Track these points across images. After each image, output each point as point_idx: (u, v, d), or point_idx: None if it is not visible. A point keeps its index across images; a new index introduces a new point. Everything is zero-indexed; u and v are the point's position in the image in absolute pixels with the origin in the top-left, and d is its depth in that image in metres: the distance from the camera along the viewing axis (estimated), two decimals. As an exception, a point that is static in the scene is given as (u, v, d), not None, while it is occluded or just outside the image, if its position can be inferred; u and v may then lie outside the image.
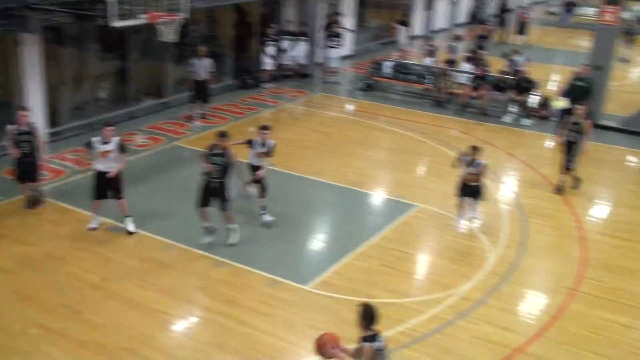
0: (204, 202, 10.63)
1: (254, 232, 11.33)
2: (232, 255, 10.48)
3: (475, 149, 11.37)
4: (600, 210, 13.01)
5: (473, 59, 20.80)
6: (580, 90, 16.37)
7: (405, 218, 12.12)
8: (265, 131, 11.62)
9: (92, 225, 11.14)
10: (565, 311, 9.37)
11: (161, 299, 9.29)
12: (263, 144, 11.59)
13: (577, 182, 13.45)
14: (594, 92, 16.43)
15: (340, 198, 13.19)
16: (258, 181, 11.69)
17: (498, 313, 9.23)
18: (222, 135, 10.69)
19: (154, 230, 11.10)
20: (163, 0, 13.70)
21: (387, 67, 20.69)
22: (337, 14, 23.17)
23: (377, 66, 21.02)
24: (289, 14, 21.74)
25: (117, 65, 17.35)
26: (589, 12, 36.27)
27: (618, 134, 17.26)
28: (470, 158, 11.37)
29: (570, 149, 13.21)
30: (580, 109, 13.23)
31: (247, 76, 20.53)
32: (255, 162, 11.74)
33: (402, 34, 26.49)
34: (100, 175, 10.91)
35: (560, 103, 17.41)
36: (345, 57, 23.88)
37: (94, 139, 10.94)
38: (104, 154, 10.84)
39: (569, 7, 36.99)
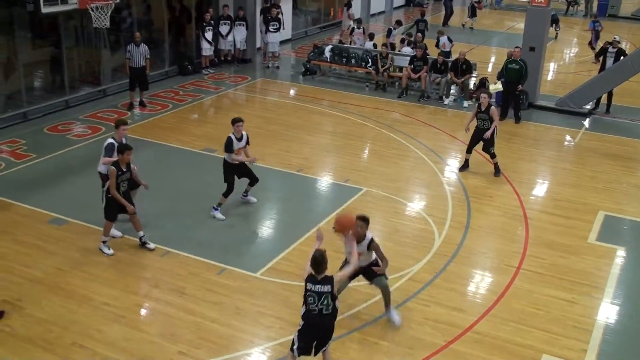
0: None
1: (202, 221, 11.18)
2: (180, 244, 10.33)
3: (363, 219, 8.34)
4: (539, 189, 13.34)
5: (412, 42, 21.04)
6: (514, 73, 16.71)
7: (352, 202, 12.16)
8: (240, 123, 11.12)
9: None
10: (510, 289, 9.59)
11: (107, 292, 9.09)
12: (240, 138, 11.17)
13: (496, 170, 13.53)
14: (527, 74, 16.79)
15: (286, 184, 13.14)
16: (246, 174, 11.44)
17: (446, 293, 9.38)
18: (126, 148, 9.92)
19: (98, 221, 10.82)
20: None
21: (327, 51, 20.65)
22: None
23: (318, 50, 20.96)
24: (225, -1, 21.43)
25: (51, 53, 16.78)
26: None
27: (554, 114, 17.73)
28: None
29: (479, 135, 13.40)
30: (485, 97, 13.32)
31: (186, 62, 20.18)
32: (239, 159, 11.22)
33: (347, 17, 26.53)
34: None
35: (496, 86, 17.78)
36: (284, 42, 23.74)
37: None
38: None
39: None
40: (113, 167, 9.71)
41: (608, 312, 9.17)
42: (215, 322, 8.57)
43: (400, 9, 34.81)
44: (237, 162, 11.21)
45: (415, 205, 12.25)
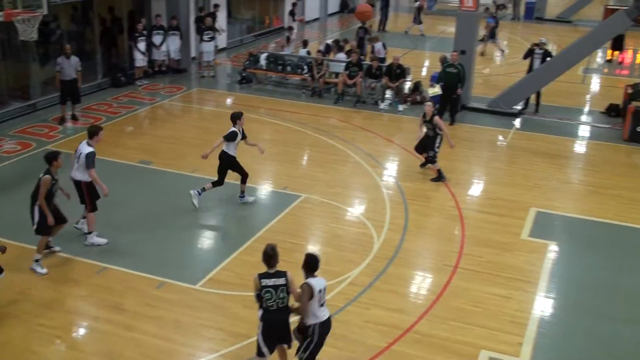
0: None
1: (139, 235, 11.02)
2: (116, 259, 10.16)
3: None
4: (474, 189, 13.65)
5: (346, 48, 21.26)
6: (452, 77, 17.07)
7: (291, 209, 12.19)
8: (243, 117, 12.08)
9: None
10: (448, 288, 9.78)
11: (42, 312, 8.86)
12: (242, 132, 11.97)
13: (438, 176, 13.70)
14: (465, 78, 17.18)
15: (225, 194, 13.04)
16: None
17: (387, 295, 9.50)
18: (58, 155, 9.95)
19: (31, 240, 10.53)
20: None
21: (263, 59, 20.66)
22: (216, 6, 22.87)
23: (253, 58, 20.95)
24: (158, 8, 21.19)
25: (-24, 68, 16.30)
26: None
27: (486, 115, 18.18)
28: None
29: (427, 142, 13.66)
30: (428, 105, 13.57)
31: (119, 74, 19.86)
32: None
33: (293, 24, 26.66)
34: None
35: (435, 90, 18.10)
36: (220, 50, 23.63)
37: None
38: None
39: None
40: (48, 176, 9.50)
41: (542, 306, 9.46)
42: (155, 337, 8.45)
43: (334, 16, 35.10)
44: (235, 155, 11.95)
45: (354, 210, 12.37)
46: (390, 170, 14.31)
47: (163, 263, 10.20)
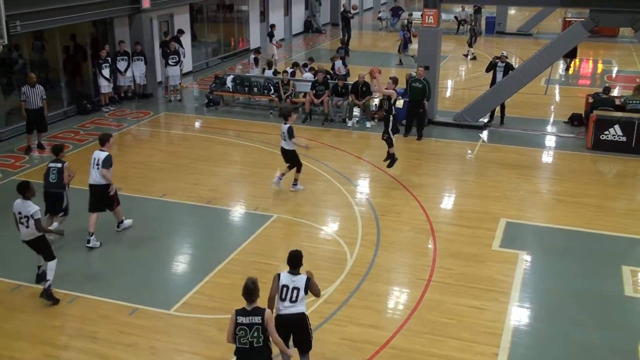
0: None
1: (110, 261, 10.91)
2: (87, 288, 10.03)
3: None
4: (444, 202, 13.78)
5: (312, 67, 21.41)
6: (417, 91, 17.30)
7: (263, 229, 12.18)
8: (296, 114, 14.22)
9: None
10: (422, 301, 9.83)
11: (12, 344, 8.71)
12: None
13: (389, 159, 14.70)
14: (430, 92, 17.42)
15: (196, 217, 13.01)
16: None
17: (361, 312, 9.52)
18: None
19: (1, 272, 10.40)
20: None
21: (229, 81, 20.69)
22: (180, 31, 22.90)
23: (219, 81, 20.97)
24: (121, 34, 21.14)
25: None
26: (415, 15, 38.36)
27: (452, 129, 18.40)
28: None
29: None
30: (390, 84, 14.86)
31: (85, 101, 19.72)
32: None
33: (270, 45, 26.81)
34: None
35: (399, 102, 18.29)
36: (185, 74, 23.61)
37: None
38: None
39: (396, 11, 38.90)
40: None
41: (515, 315, 9.56)
42: (130, 364, 8.36)
43: (299, 36, 35.31)
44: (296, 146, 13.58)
45: (326, 228, 12.39)
46: (361, 186, 14.39)
47: (135, 289, 10.10)
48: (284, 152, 13.76)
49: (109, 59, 19.84)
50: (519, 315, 9.58)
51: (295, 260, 7.56)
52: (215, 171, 15.17)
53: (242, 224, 12.85)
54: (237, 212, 13.24)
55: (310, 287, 7.56)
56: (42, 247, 9.74)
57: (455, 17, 37.12)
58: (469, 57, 28.96)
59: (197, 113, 20.39)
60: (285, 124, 13.44)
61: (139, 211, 12.99)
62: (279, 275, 7.53)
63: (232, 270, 10.72)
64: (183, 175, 14.74)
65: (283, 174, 13.89)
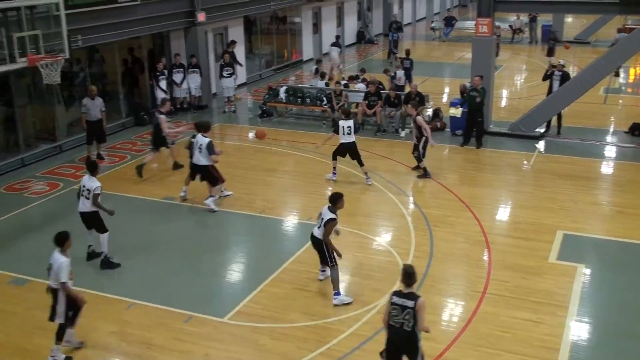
0: None
1: (166, 270, 11.11)
2: (145, 295, 10.23)
3: None
4: (499, 214, 13.58)
5: (364, 78, 21.44)
6: (474, 100, 17.17)
7: (316, 240, 12.19)
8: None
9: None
10: (477, 314, 9.69)
11: (72, 350, 8.92)
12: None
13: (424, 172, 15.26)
14: (483, 99, 17.24)
15: (250, 227, 13.15)
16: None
17: (414, 323, 9.42)
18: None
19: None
20: (42, 42, 13.39)
21: (282, 92, 20.88)
22: (232, 42, 23.28)
23: (273, 92, 21.18)
24: (177, 47, 21.60)
25: (4, 112, 16.65)
26: (467, 25, 38.07)
27: (508, 139, 18.12)
28: None
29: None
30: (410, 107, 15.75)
31: (142, 112, 20.19)
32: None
33: (335, 54, 27.04)
34: None
35: (455, 111, 18.19)
36: (239, 85, 23.95)
37: None
38: None
39: (449, 21, 38.69)
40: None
41: (573, 330, 9.32)
42: (185, 371, 8.48)
43: (352, 47, 35.38)
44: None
45: (379, 238, 12.35)
46: (414, 197, 14.30)
47: (190, 297, 10.26)
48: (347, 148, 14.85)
49: (166, 71, 20.29)
50: (578, 329, 9.35)
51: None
52: (269, 181, 15.31)
53: (294, 233, 12.92)
54: (290, 221, 13.33)
55: None
56: (95, 221, 11.01)
57: (510, 26, 36.65)
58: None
59: (251, 124, 20.63)
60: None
61: (195, 221, 13.22)
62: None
63: (284, 279, 10.78)
64: (237, 185, 14.91)
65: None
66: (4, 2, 13.11)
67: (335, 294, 9.99)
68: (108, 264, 11.10)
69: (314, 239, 10.02)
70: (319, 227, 9.88)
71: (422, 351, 7.53)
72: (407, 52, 24.24)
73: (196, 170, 13.69)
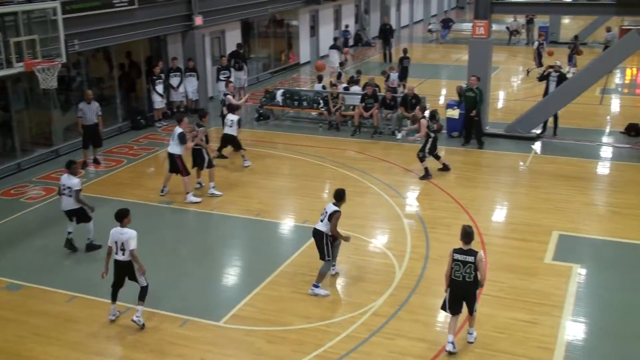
0: None
1: (160, 274, 11.09)
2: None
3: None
4: (495, 215, 13.58)
5: (359, 80, 21.48)
6: (470, 100, 17.24)
7: (312, 242, 12.11)
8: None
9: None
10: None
11: (69, 355, 8.93)
12: None
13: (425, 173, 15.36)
14: (482, 101, 17.28)
15: (246, 230, 13.16)
16: None
17: (410, 325, 9.44)
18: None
19: (56, 284, 10.70)
20: (39, 47, 13.40)
21: (279, 95, 20.89)
22: (239, 45, 23.39)
23: (269, 95, 21.19)
24: (174, 51, 21.61)
25: (0, 117, 16.63)
26: (465, 27, 38.10)
27: (504, 140, 18.14)
28: None
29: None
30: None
31: (139, 116, 20.19)
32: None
33: (335, 57, 27.07)
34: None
35: (453, 112, 18.24)
36: (238, 89, 23.94)
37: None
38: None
39: (447, 23, 38.73)
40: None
41: (569, 330, 9.33)
42: (180, 375, 8.48)
43: (350, 49, 35.30)
44: None
45: (375, 241, 12.36)
46: (410, 199, 14.31)
47: (186, 301, 10.25)
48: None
49: (163, 75, 20.30)
50: (573, 329, 9.35)
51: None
52: (265, 184, 15.31)
53: (290, 236, 12.93)
54: (286, 224, 13.33)
55: None
56: (82, 215, 11.68)
57: (507, 28, 36.70)
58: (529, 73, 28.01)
59: (248, 127, 20.60)
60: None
61: (191, 224, 13.23)
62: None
63: (280, 282, 10.79)
64: (233, 188, 14.92)
65: None
66: (1, 7, 13.12)
67: (314, 285, 10.38)
68: (92, 247, 11.81)
69: (315, 231, 10.45)
70: (322, 221, 10.34)
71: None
72: (405, 51, 24.33)
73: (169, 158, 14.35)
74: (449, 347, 8.71)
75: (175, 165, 14.12)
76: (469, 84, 17.54)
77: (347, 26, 33.36)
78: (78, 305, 10.14)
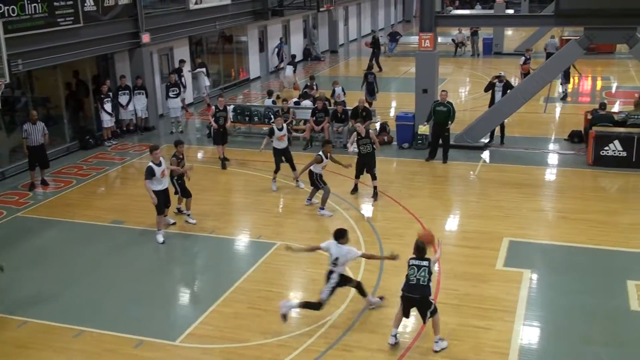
0: None
1: (112, 294, 10.93)
2: (93, 321, 10.03)
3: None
4: (448, 224, 13.79)
5: (310, 95, 21.59)
6: (442, 114, 17.36)
7: (267, 257, 12.19)
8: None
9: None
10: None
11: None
12: None
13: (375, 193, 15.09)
14: (454, 115, 17.48)
15: (199, 248, 13.05)
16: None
17: (368, 336, 9.50)
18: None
19: (5, 309, 10.42)
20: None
21: (230, 111, 20.80)
22: (181, 61, 23.21)
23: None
24: (122, 69, 21.39)
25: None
26: (412, 39, 38.67)
27: (453, 150, 18.35)
28: None
29: (367, 159, 15.23)
30: (359, 126, 15.48)
31: (87, 136, 19.88)
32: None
33: (290, 73, 27.08)
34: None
35: (423, 128, 18.40)
36: (188, 105, 23.84)
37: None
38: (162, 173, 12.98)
39: (394, 36, 39.25)
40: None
41: (522, 334, 9.52)
42: (136, 397, 8.34)
43: (299, 64, 35.49)
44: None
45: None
46: (363, 211, 14.42)
47: (140, 321, 10.11)
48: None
49: (111, 93, 20.05)
50: (526, 334, 9.54)
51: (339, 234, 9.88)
52: (219, 201, 15.23)
53: (245, 252, 12.88)
54: (241, 240, 13.28)
55: None
56: None
57: (453, 40, 37.42)
58: None
59: (199, 144, 20.51)
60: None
61: (143, 243, 13.05)
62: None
63: (236, 299, 10.73)
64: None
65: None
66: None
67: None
68: None
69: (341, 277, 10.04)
70: (336, 265, 9.99)
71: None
72: (370, 67, 24.60)
73: None
74: (391, 340, 9.17)
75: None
76: (440, 98, 17.68)
77: (281, 39, 33.23)
78: (29, 330, 9.88)
